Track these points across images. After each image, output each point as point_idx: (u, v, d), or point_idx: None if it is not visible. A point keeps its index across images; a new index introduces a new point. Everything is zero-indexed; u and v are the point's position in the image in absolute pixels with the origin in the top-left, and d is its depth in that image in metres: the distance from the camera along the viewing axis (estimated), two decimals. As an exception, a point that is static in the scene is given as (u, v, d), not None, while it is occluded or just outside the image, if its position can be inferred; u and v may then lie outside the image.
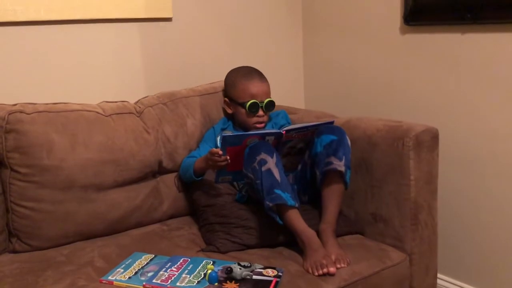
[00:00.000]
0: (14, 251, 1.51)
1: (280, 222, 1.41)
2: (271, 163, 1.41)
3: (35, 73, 1.72)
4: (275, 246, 1.46)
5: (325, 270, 1.30)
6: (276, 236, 1.46)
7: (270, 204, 1.39)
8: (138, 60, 1.92)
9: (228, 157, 1.47)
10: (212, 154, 1.49)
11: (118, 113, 1.66)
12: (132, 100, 1.77)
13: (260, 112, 1.73)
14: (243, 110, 1.74)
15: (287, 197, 1.39)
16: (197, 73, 2.01)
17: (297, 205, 1.42)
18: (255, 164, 1.42)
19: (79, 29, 1.78)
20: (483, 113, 1.68)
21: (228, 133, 1.76)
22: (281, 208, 1.41)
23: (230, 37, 2.12)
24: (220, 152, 1.47)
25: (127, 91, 1.86)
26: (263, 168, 1.41)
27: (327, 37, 2.19)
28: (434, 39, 1.78)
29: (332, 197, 1.48)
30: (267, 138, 1.49)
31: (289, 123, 1.82)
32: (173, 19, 1.96)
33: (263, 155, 1.42)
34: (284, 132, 1.49)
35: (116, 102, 1.72)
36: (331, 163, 1.46)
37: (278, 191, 1.39)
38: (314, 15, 2.23)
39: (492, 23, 1.60)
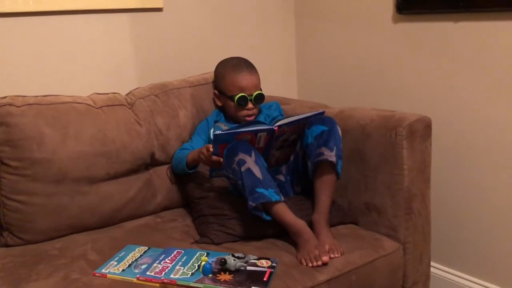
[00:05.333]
0: (6, 245, 1.50)
1: (267, 218, 1.40)
2: (250, 162, 1.40)
3: (24, 65, 1.70)
4: (269, 237, 1.46)
5: (319, 262, 1.30)
6: (270, 227, 1.46)
7: (253, 204, 1.38)
8: (129, 51, 1.90)
9: (221, 159, 1.46)
10: (207, 149, 1.48)
11: (109, 105, 1.64)
12: (123, 92, 1.76)
13: (250, 105, 1.72)
14: (232, 103, 1.73)
15: (271, 193, 1.38)
16: (188, 63, 2.00)
17: (282, 198, 1.41)
18: (234, 165, 1.41)
19: (68, 20, 1.75)
20: (476, 101, 1.68)
21: (222, 125, 1.75)
22: (267, 205, 1.40)
23: (221, 26, 2.10)
24: (211, 150, 1.46)
25: (118, 83, 1.85)
26: (243, 169, 1.40)
27: (319, 26, 2.18)
28: (426, 28, 1.78)
29: (324, 187, 1.48)
30: (259, 134, 1.48)
31: (282, 115, 1.81)
32: (163, 9, 1.94)
33: (241, 155, 1.40)
34: (276, 128, 1.48)
35: (107, 94, 1.70)
36: (322, 154, 1.46)
37: (260, 190, 1.38)
38: (307, 4, 2.22)
39: (484, 12, 1.60)
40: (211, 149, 1.47)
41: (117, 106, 1.66)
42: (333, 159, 1.45)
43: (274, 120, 1.74)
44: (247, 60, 1.78)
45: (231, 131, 1.49)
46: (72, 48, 1.78)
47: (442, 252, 1.85)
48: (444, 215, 1.81)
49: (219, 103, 1.81)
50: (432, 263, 1.64)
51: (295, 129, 1.54)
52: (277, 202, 1.39)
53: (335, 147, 1.46)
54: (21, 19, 1.66)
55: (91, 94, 1.69)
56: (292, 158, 1.62)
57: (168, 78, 1.85)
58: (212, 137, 1.69)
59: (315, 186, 1.49)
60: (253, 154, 1.42)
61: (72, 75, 1.79)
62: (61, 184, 1.51)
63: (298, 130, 1.55)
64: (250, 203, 1.38)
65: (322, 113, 1.55)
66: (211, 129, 1.74)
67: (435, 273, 1.86)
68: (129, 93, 1.76)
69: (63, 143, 1.51)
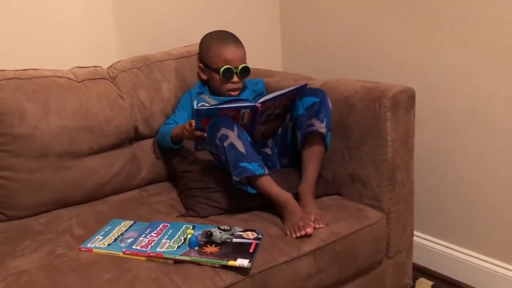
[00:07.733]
0: (-10, 222, 1.49)
1: (252, 191, 1.41)
2: (233, 137, 1.40)
3: (1, 39, 1.65)
4: (254, 210, 1.47)
5: (302, 232, 1.31)
6: (255, 199, 1.46)
7: (237, 179, 1.38)
8: (111, 23, 1.86)
9: (205, 134, 1.45)
10: (189, 124, 1.48)
11: (90, 79, 1.62)
12: (105, 65, 1.73)
13: (235, 79, 1.70)
14: (217, 76, 1.71)
15: (255, 167, 1.39)
16: (171, 36, 1.96)
17: (267, 171, 1.41)
18: (217, 141, 1.41)
19: (46, -8, 1.71)
20: (460, 72, 1.69)
21: (205, 97, 1.74)
22: (252, 179, 1.40)
23: (204, -2, 2.06)
24: (194, 125, 1.45)
25: (99, 56, 1.81)
26: (225, 144, 1.39)
27: (303, -3, 2.15)
28: (411, -2, 1.77)
29: (313, 159, 1.48)
30: (242, 111, 1.47)
31: (263, 93, 1.80)
32: (145, -21, 1.90)
33: (224, 130, 1.40)
34: (259, 105, 1.47)
35: (88, 67, 1.67)
36: (312, 125, 1.46)
37: (244, 164, 1.38)
38: (290, -25, 2.19)
39: (469, -19, 1.59)
40: (194, 124, 1.46)
41: (99, 79, 1.63)
42: (323, 130, 1.46)
43: (259, 95, 1.74)
44: (233, 34, 1.76)
45: (213, 106, 1.48)
46: (51, 20, 1.73)
47: (425, 221, 1.88)
48: (427, 185, 1.84)
49: (204, 77, 1.79)
50: (415, 232, 1.67)
51: (278, 103, 1.54)
52: (261, 175, 1.40)
53: (325, 119, 1.46)
54: (-3, -10, 1.62)
55: (72, 68, 1.66)
56: (280, 130, 1.62)
57: (151, 51, 1.82)
58: (196, 105, 1.68)
59: (303, 157, 1.50)
60: (235, 128, 1.41)
61: (52, 49, 1.75)
62: (44, 159, 1.49)
63: (282, 104, 1.55)
64: (234, 177, 1.38)
65: (305, 85, 1.54)
66: (194, 101, 1.73)
67: (418, 242, 1.89)
68: (110, 66, 1.73)
69: (45, 118, 1.49)
